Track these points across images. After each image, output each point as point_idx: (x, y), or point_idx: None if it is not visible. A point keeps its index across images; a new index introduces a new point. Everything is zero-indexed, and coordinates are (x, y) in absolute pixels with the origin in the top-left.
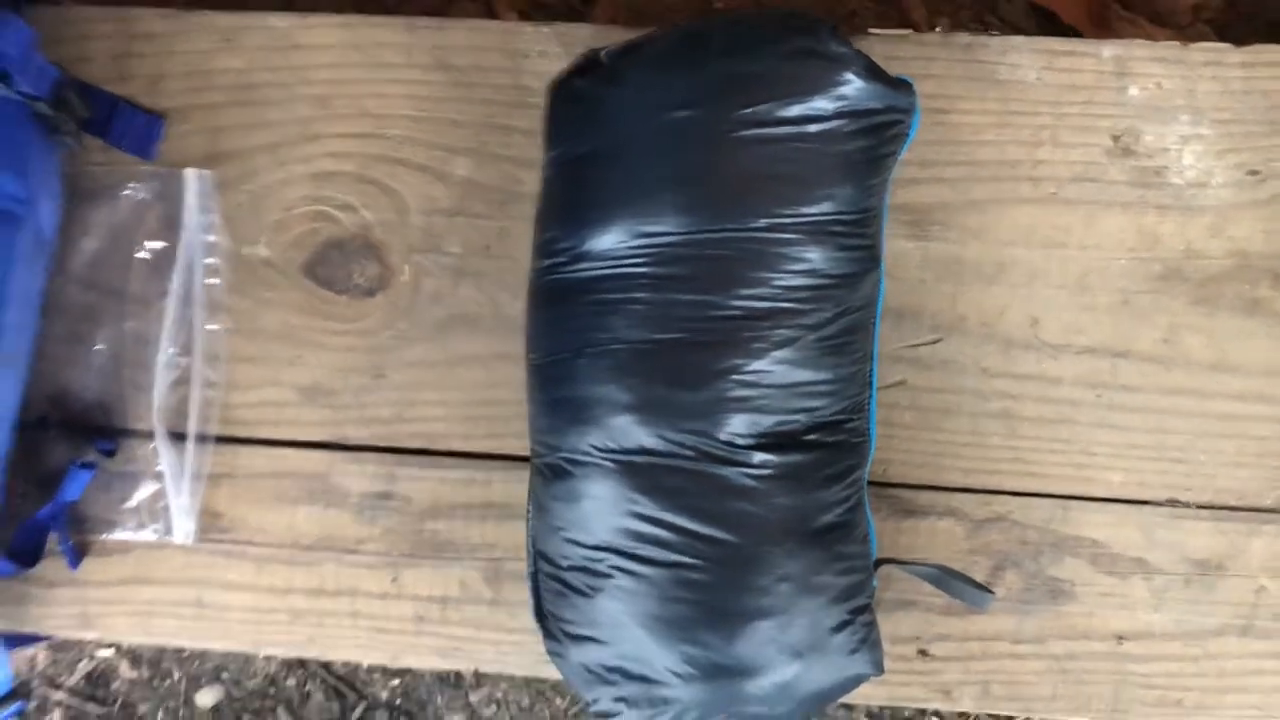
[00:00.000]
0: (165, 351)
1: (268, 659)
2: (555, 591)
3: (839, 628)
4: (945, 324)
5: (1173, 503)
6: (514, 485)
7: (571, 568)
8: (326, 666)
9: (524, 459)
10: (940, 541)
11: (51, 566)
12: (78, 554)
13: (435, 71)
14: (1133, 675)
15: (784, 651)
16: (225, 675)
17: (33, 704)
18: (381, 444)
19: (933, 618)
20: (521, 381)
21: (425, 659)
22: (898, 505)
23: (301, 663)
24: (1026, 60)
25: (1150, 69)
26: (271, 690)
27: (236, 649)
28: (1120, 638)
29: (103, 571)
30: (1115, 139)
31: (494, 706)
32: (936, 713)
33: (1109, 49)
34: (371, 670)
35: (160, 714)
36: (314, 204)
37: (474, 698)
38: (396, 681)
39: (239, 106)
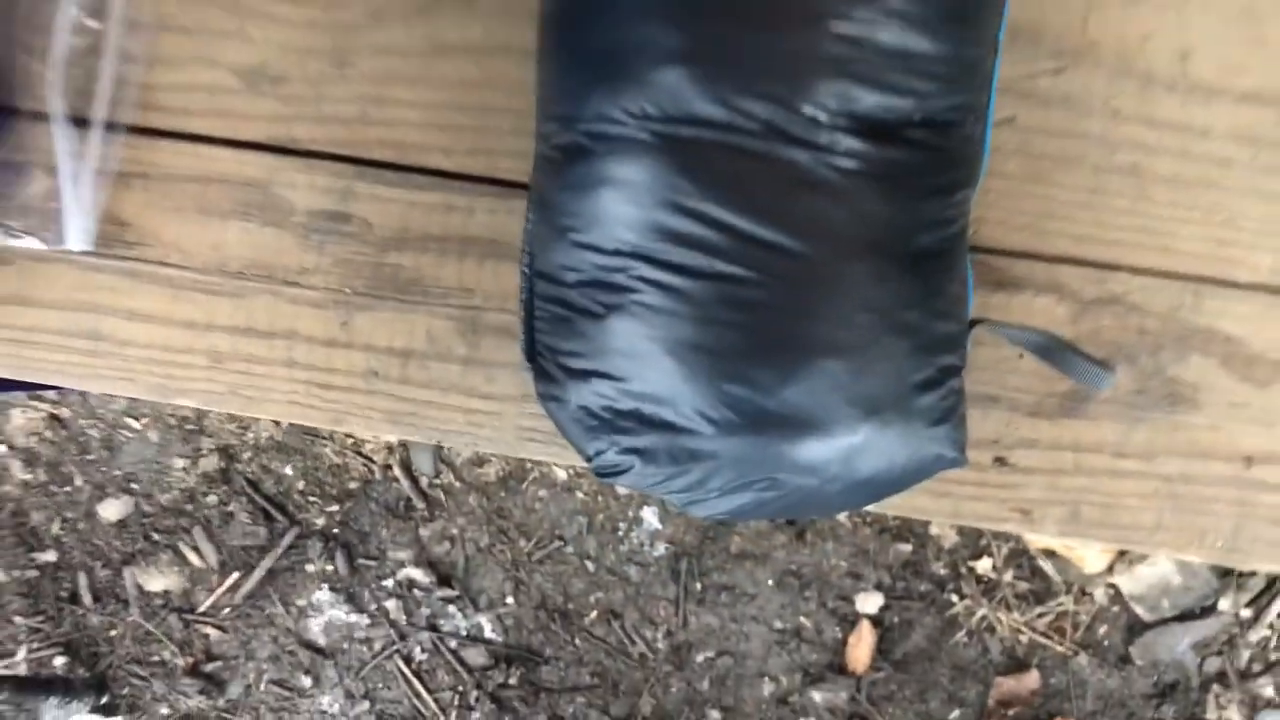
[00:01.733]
0: (69, 11)
1: (186, 470)
2: (556, 317)
3: (925, 386)
4: (1070, 50)
5: None
6: (503, 217)
7: (581, 282)
8: (254, 484)
9: (518, 185)
10: (1037, 322)
11: None
12: None
13: None
14: (1259, 507)
15: (854, 404)
16: (135, 486)
17: None
18: (339, 150)
19: (1017, 419)
20: (524, 85)
21: (375, 425)
22: (989, 274)
23: (225, 477)
24: None
25: None
26: (189, 507)
27: (138, 394)
28: (1249, 460)
29: None
30: None
31: (446, 544)
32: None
33: None
34: (307, 493)
35: (57, 525)
36: None
37: (424, 532)
38: (335, 508)
39: None
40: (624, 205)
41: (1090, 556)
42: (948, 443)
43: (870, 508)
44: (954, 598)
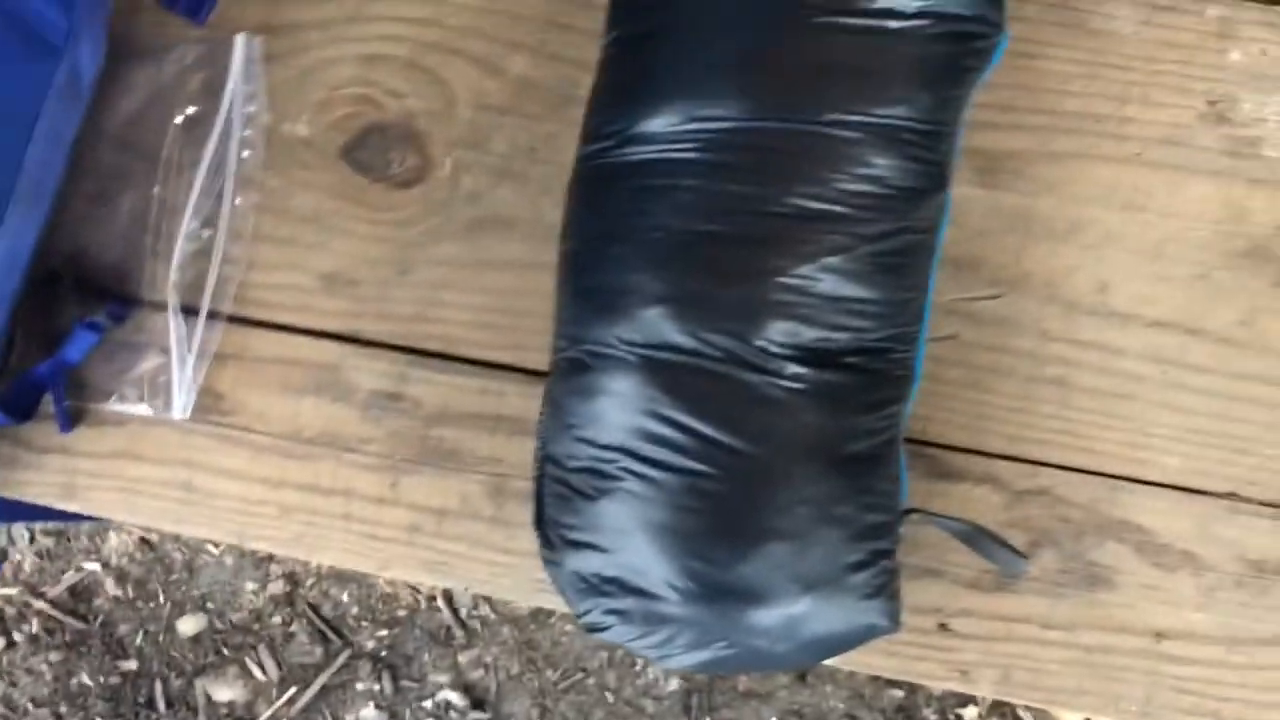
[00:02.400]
0: (189, 222)
1: (255, 593)
2: (558, 495)
3: (857, 566)
4: (1006, 279)
5: (1233, 496)
6: (530, 400)
7: (579, 469)
8: (314, 608)
9: (543, 374)
10: (975, 509)
11: (42, 431)
12: (71, 419)
13: None
14: (1168, 677)
15: (795, 581)
16: (210, 605)
17: (12, 610)
18: (398, 342)
19: (958, 591)
20: (550, 294)
21: (413, 572)
22: (933, 466)
23: (289, 600)
24: (1124, 12)
25: (1257, 34)
26: (255, 626)
27: (221, 538)
28: (1159, 635)
29: (94, 442)
30: (1211, 104)
31: (481, 670)
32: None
33: (1215, 8)
34: (360, 617)
35: (140, 637)
36: (361, 86)
37: (462, 658)
38: (384, 632)
39: None
40: (614, 411)
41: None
42: (879, 613)
43: (829, 662)
44: None
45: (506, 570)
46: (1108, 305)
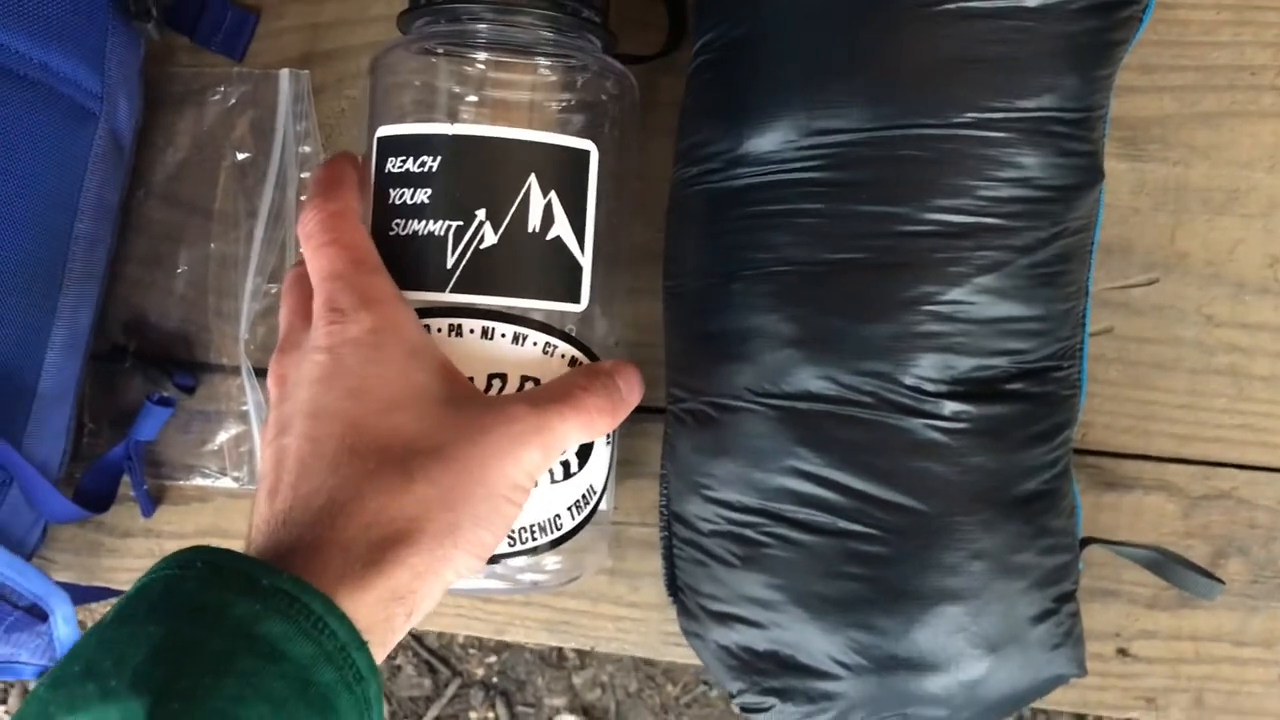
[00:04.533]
0: (252, 278)
1: None
2: (693, 560)
3: (1040, 617)
4: (1162, 261)
5: None
6: (641, 440)
7: (715, 533)
8: (419, 639)
9: (655, 410)
10: (1148, 521)
11: (123, 514)
12: (152, 500)
13: None
14: None
15: (974, 643)
16: None
17: None
18: None
19: (1137, 611)
20: (657, 320)
21: (533, 634)
22: (1098, 476)
23: None
24: None
25: None
26: None
27: None
28: None
29: (179, 521)
30: None
31: (598, 690)
32: None
33: None
34: (467, 645)
35: None
36: None
37: (577, 680)
38: (494, 658)
39: (341, 0)
40: (749, 470)
41: None
42: (1066, 662)
43: None
44: None
45: (633, 625)
46: None
